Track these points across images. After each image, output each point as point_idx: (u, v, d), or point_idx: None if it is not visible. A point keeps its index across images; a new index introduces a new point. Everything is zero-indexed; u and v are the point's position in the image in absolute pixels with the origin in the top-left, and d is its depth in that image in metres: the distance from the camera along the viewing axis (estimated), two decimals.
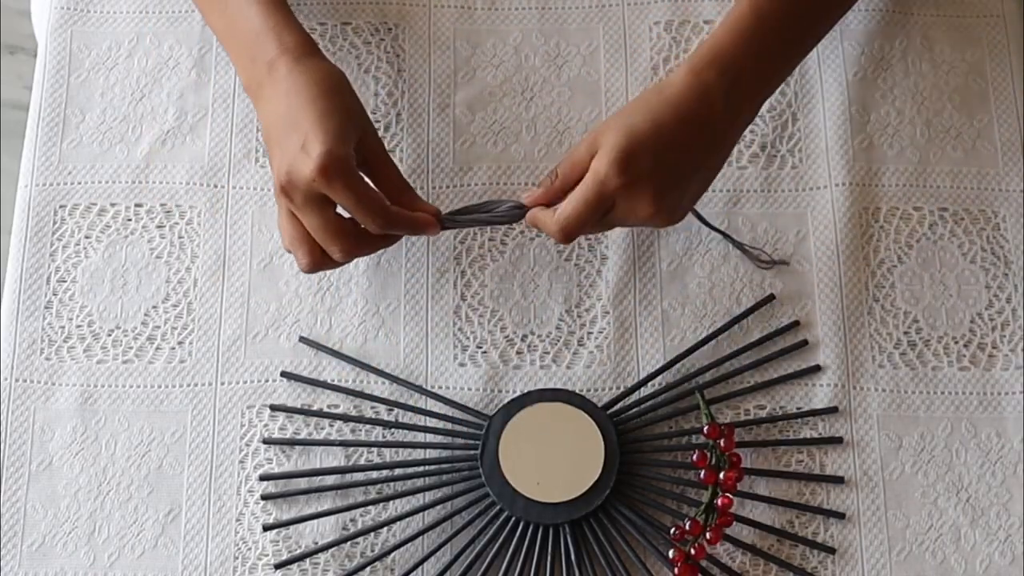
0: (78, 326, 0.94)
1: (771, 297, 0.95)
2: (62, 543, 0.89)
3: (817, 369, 0.93)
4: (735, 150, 0.99)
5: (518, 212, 0.87)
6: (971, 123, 1.00)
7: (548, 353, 0.94)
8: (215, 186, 0.98)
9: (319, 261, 0.85)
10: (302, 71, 0.85)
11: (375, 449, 0.91)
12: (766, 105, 0.99)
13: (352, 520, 0.89)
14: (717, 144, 0.86)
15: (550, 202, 0.86)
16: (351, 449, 0.91)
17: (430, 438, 0.91)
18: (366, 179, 0.84)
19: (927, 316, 0.95)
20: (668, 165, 0.83)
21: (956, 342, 0.94)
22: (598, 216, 0.84)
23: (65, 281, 0.95)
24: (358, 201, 0.81)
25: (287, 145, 0.82)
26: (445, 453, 0.90)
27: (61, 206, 0.97)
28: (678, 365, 0.93)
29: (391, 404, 0.91)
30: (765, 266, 0.95)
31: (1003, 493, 0.90)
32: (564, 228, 0.83)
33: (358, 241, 0.84)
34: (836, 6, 0.92)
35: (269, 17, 0.88)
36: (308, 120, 0.82)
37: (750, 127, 0.97)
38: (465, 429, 0.90)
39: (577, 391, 0.91)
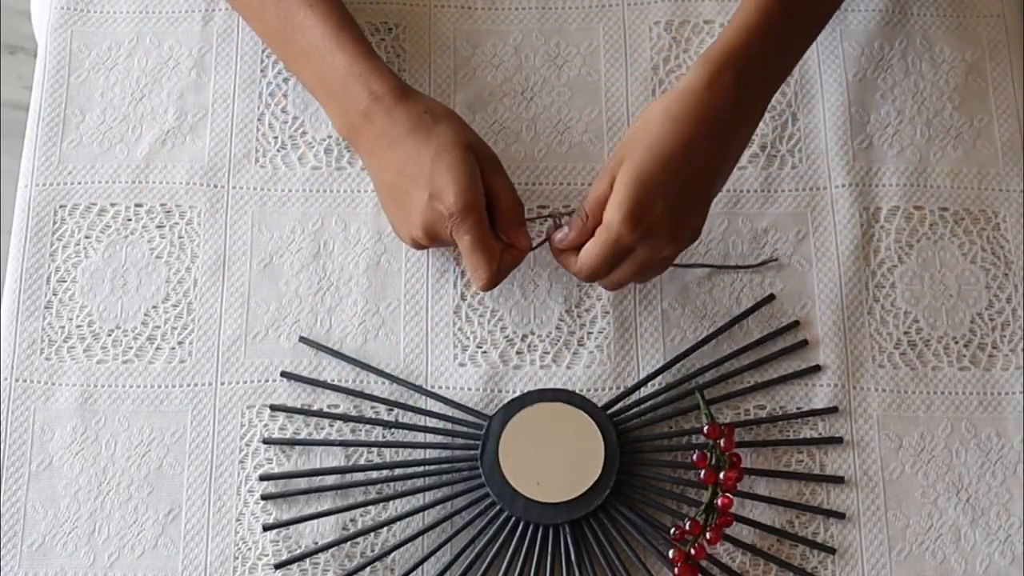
0: (78, 326, 0.94)
1: (771, 297, 0.95)
2: (62, 543, 0.89)
3: (817, 369, 0.93)
4: None
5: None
6: (971, 123, 1.00)
7: (548, 353, 0.94)
8: (215, 186, 0.98)
9: (496, 275, 0.86)
10: (398, 121, 0.87)
11: (375, 449, 0.91)
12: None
13: (352, 520, 0.89)
14: (730, 153, 0.86)
15: (581, 243, 0.86)
16: (351, 449, 0.91)
17: (430, 438, 0.91)
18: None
19: (927, 316, 0.95)
20: (682, 202, 0.83)
21: (956, 342, 0.94)
22: (616, 262, 0.84)
23: (65, 281, 0.95)
24: (472, 247, 0.85)
25: (416, 198, 0.85)
26: (445, 453, 0.90)
27: (61, 206, 0.97)
28: (678, 365, 0.93)
29: (391, 404, 0.91)
30: (757, 267, 0.95)
31: (1003, 493, 0.90)
32: (585, 274, 0.85)
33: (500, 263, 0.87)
34: (831, 2, 0.92)
35: (354, 65, 0.89)
36: (423, 174, 0.85)
37: None
38: (465, 429, 0.90)
39: (577, 391, 0.91)
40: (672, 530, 0.85)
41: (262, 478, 0.90)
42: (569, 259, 0.86)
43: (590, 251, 0.84)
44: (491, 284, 0.86)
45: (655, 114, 0.84)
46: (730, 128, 0.85)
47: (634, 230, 0.82)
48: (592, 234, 0.85)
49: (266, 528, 0.88)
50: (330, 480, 0.90)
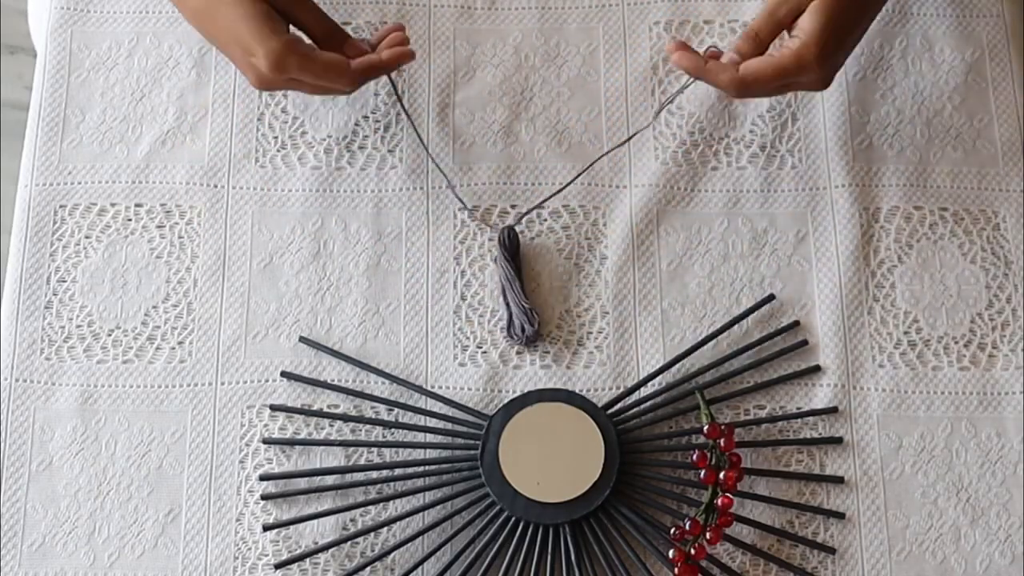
0: (78, 326, 0.94)
1: (771, 297, 0.95)
2: (62, 543, 0.89)
3: (817, 369, 0.93)
4: (735, 150, 0.99)
5: None
6: (971, 123, 1.00)
7: (548, 353, 0.94)
8: (215, 186, 0.98)
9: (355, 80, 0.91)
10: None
11: (375, 449, 0.91)
12: (766, 104, 0.99)
13: (352, 520, 0.90)
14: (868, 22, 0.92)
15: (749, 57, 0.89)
16: (351, 449, 0.91)
17: (430, 438, 0.91)
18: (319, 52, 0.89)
19: (927, 316, 0.95)
20: (849, 48, 0.89)
21: (956, 342, 0.94)
22: (779, 84, 0.88)
23: (65, 281, 0.95)
24: (317, 76, 0.88)
25: (239, 58, 0.89)
26: (445, 453, 0.90)
27: (61, 206, 0.97)
28: (678, 365, 0.93)
29: (391, 404, 0.91)
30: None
31: (1003, 493, 0.90)
32: (745, 82, 0.87)
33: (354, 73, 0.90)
34: None
35: None
36: (238, 36, 0.88)
37: (749, 128, 0.99)
38: (465, 429, 0.90)
39: (577, 391, 0.91)
40: (672, 530, 0.85)
41: (262, 478, 0.90)
42: (715, 69, 0.88)
43: (771, 63, 0.87)
44: (354, 86, 0.91)
45: None
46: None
47: (822, 59, 0.87)
48: (760, 49, 0.89)
49: (266, 528, 0.88)
50: (330, 480, 0.90)
